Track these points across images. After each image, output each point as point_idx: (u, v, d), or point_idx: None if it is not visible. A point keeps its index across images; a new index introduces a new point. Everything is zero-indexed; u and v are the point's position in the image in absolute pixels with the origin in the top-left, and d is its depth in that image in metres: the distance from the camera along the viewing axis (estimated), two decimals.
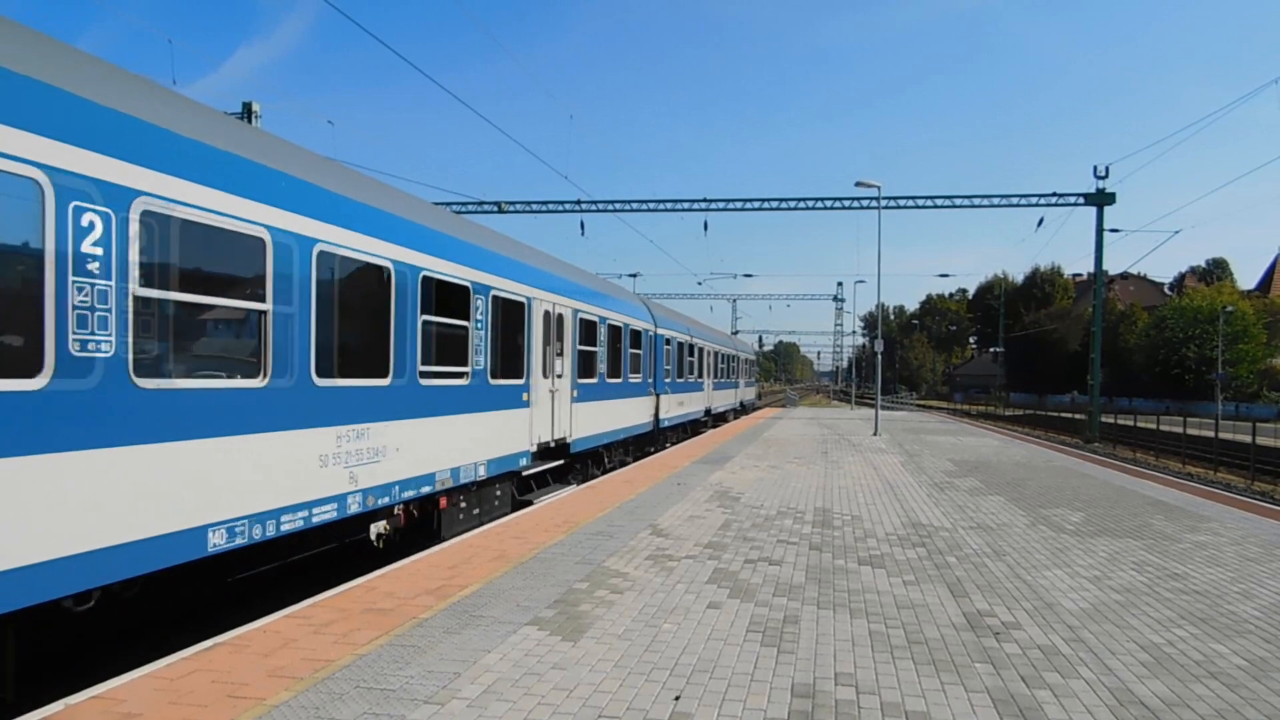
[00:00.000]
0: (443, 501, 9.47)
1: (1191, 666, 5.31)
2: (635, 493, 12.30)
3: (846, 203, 40.14)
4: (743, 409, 41.85)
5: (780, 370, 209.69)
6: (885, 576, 7.51)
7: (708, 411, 29.84)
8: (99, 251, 5.07)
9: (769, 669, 5.10)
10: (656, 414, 21.05)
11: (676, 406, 23.35)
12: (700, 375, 27.87)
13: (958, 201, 39.71)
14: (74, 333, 4.88)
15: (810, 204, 41.08)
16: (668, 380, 22.22)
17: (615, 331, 16.93)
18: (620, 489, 12.73)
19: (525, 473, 12.27)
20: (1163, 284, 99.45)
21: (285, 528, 6.70)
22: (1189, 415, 37.91)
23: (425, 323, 8.81)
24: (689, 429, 26.79)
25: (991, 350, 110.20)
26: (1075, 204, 38.03)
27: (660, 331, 21.46)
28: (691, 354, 26.16)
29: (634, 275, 65.89)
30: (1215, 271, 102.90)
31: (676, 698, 4.63)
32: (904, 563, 8.08)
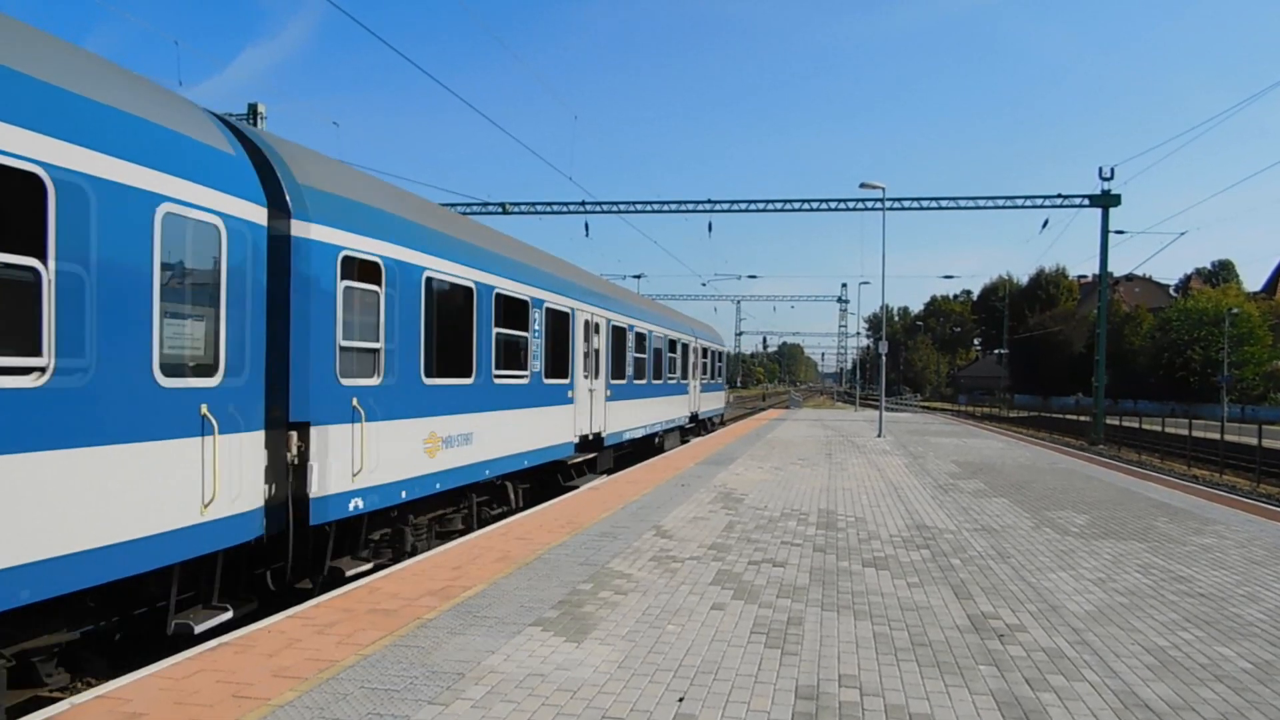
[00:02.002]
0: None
1: (1197, 670, 5.29)
2: (639, 494, 12.31)
3: (851, 204, 40.16)
4: (699, 426, 27.95)
5: (784, 372, 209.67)
6: (889, 578, 7.50)
7: (593, 441, 15.28)
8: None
9: (773, 670, 5.10)
10: (293, 487, 7.06)
11: (446, 454, 9.42)
12: (589, 373, 14.87)
13: (962, 203, 39.71)
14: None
15: (814, 205, 41.08)
16: (377, 383, 8.07)
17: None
18: (625, 490, 12.73)
19: None
20: (1168, 286, 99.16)
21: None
22: (1194, 417, 37.77)
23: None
24: (524, 488, 12.49)
25: (996, 352, 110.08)
26: (1080, 205, 38.00)
27: (352, 246, 7.77)
28: (531, 324, 12.02)
29: (638, 276, 66.01)
30: (1221, 273, 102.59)
31: (680, 699, 4.63)
32: (908, 565, 8.06)
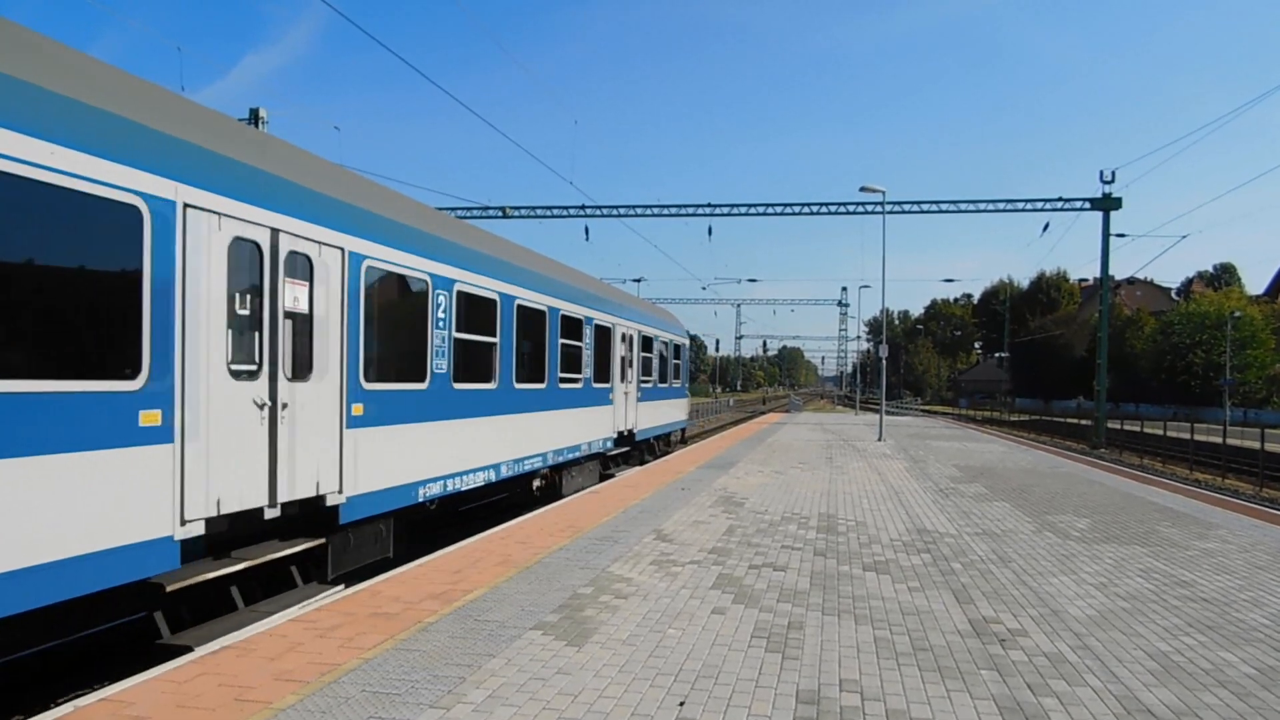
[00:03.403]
0: None
1: (1200, 675, 5.28)
2: (640, 497, 12.30)
3: (851, 208, 40.17)
4: (637, 450, 19.85)
5: (784, 375, 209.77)
6: (890, 583, 7.49)
7: (307, 512, 7.40)
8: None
9: (774, 675, 5.10)
10: None
11: None
12: (273, 364, 6.66)
13: (963, 206, 39.66)
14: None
15: (815, 209, 41.07)
16: None
17: None
18: (625, 494, 12.73)
19: None
20: (1170, 289, 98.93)
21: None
22: (1196, 421, 37.73)
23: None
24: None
25: (997, 356, 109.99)
26: (1081, 209, 37.96)
27: None
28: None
29: (638, 280, 66.03)
30: (1223, 276, 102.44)
31: (681, 703, 4.63)
32: (909, 569, 8.06)
